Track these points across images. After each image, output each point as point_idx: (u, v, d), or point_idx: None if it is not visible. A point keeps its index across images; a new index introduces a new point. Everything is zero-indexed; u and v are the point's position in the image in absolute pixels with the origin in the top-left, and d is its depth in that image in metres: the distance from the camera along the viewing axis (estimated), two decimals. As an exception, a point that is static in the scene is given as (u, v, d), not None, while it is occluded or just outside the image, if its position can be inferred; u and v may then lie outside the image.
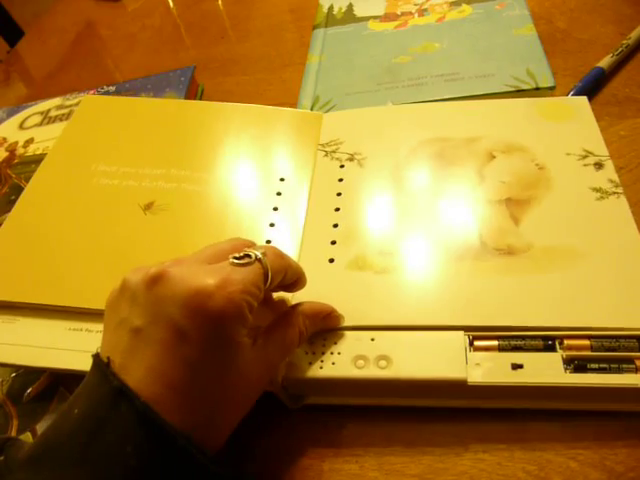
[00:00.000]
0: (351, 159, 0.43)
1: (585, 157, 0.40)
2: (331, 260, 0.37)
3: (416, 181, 0.41)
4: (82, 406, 0.26)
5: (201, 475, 0.25)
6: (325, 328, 0.34)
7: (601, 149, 0.40)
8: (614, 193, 0.37)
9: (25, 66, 0.85)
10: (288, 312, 0.33)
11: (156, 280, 0.27)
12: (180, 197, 0.43)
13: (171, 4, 0.84)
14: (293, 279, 0.33)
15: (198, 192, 0.43)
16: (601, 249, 0.35)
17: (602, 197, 0.38)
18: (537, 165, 0.40)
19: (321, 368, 0.32)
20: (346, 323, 0.34)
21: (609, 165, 0.39)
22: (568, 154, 0.40)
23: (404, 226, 0.39)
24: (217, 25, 0.76)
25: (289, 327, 0.31)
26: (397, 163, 0.43)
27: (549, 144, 0.41)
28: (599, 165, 0.39)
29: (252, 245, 0.32)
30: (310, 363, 0.33)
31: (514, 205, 0.38)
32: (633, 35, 0.52)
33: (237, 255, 0.29)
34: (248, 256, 0.29)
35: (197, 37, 0.76)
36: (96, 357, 0.28)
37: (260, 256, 0.29)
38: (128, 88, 0.63)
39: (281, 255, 0.31)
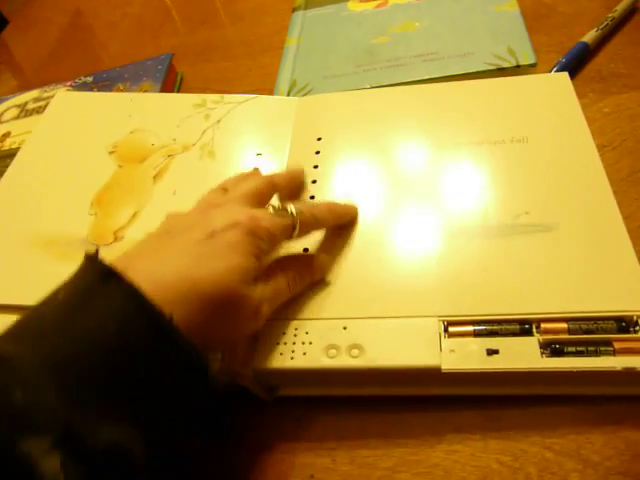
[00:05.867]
0: (325, 145, 0.42)
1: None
2: (305, 249, 0.36)
3: (388, 169, 0.40)
4: (68, 289, 0.26)
5: (180, 360, 0.25)
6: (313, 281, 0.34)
7: (581, 126, 0.39)
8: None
9: (10, 56, 0.84)
10: (280, 261, 0.34)
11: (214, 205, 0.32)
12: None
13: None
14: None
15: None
16: (580, 233, 0.34)
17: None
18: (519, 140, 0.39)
19: (292, 358, 0.31)
20: (319, 314, 0.33)
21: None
22: (547, 131, 0.39)
23: (376, 214, 0.37)
24: (197, 11, 0.75)
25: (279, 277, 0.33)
26: (372, 148, 0.41)
27: (527, 122, 0.40)
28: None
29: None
30: (281, 353, 0.32)
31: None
32: (619, 8, 0.50)
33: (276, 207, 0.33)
34: (285, 210, 0.33)
35: (177, 24, 0.74)
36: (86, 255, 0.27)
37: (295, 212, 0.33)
38: (105, 78, 0.62)
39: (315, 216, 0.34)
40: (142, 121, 0.48)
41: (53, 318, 0.25)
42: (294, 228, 0.32)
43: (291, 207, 0.33)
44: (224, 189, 0.35)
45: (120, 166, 0.45)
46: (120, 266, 0.26)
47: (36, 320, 0.26)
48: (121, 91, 0.58)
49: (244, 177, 0.36)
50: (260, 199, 0.34)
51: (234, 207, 0.32)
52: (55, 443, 0.21)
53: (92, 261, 0.27)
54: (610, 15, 0.50)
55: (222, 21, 0.71)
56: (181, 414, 0.27)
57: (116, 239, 0.40)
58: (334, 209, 0.37)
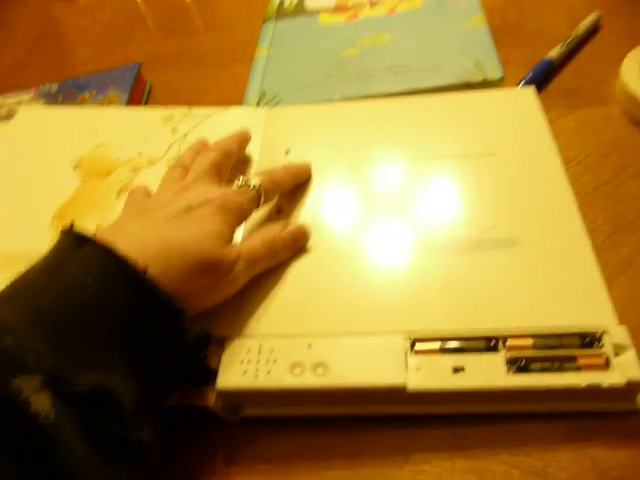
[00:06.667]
0: (293, 157, 0.42)
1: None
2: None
3: (356, 182, 0.40)
4: (44, 258, 0.28)
5: (155, 308, 0.27)
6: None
7: (546, 139, 0.39)
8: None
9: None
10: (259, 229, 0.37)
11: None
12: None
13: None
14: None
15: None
16: (545, 248, 0.34)
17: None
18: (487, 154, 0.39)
19: (256, 377, 0.31)
20: (284, 331, 0.32)
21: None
22: (513, 144, 0.40)
23: (343, 228, 0.37)
24: (169, 19, 0.74)
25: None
26: (341, 161, 0.41)
27: (493, 136, 0.40)
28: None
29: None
30: (245, 372, 0.31)
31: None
32: (581, 26, 0.51)
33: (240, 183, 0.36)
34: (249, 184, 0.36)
35: (148, 32, 0.73)
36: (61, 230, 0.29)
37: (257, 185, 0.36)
38: (71, 86, 0.60)
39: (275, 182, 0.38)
40: (108, 135, 0.47)
41: (33, 281, 0.27)
42: (260, 198, 0.36)
43: (253, 180, 0.36)
44: (184, 167, 0.38)
45: (84, 181, 0.44)
46: (98, 236, 0.28)
47: (15, 287, 0.27)
48: (87, 100, 0.57)
49: (197, 151, 0.39)
50: (220, 170, 0.37)
51: (203, 187, 0.35)
52: (44, 382, 0.23)
53: (67, 232, 0.28)
54: (573, 33, 0.51)
55: (193, 30, 0.71)
56: (159, 360, 0.28)
57: (77, 254, 0.39)
58: (290, 171, 0.40)
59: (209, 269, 0.31)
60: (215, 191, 0.34)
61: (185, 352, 0.29)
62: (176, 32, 0.71)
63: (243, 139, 0.42)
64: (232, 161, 0.40)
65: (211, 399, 0.31)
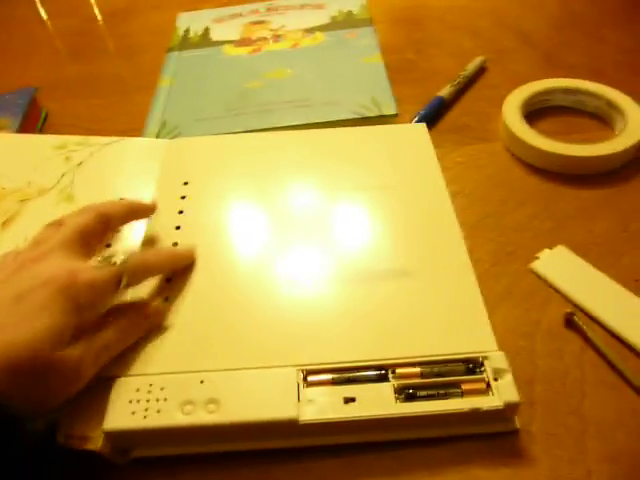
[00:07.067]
0: (192, 189, 0.42)
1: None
2: (166, 298, 0.35)
3: (253, 214, 0.40)
4: None
5: None
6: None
7: (436, 173, 0.42)
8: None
9: None
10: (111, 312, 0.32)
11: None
12: None
13: (21, 19, 0.78)
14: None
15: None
16: (434, 278, 0.35)
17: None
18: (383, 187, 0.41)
19: (145, 417, 0.29)
20: (174, 368, 0.32)
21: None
22: (406, 177, 0.42)
23: (235, 261, 0.37)
24: (71, 43, 0.72)
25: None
26: (240, 193, 0.41)
27: (387, 169, 0.42)
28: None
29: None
30: (133, 412, 0.30)
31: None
32: (469, 67, 0.55)
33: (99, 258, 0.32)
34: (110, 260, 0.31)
35: (47, 55, 0.71)
36: None
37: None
38: (-44, 110, 0.57)
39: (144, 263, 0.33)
40: (-7, 162, 0.44)
41: None
42: (120, 279, 0.31)
43: (116, 257, 0.31)
44: (59, 224, 0.33)
45: (-36, 210, 0.41)
46: None
47: None
48: (-26, 126, 0.54)
49: (81, 211, 0.34)
50: (88, 240, 0.32)
51: (53, 260, 0.30)
52: None
53: None
54: (462, 73, 0.54)
55: (97, 56, 0.69)
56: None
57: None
58: (170, 254, 0.36)
59: (39, 377, 0.27)
60: (62, 267, 0.29)
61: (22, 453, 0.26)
62: (78, 57, 0.69)
63: (138, 208, 0.37)
64: (110, 232, 0.35)
65: (97, 442, 0.29)
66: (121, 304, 0.33)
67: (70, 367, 0.28)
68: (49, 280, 0.28)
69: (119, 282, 0.31)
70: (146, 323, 0.33)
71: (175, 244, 0.38)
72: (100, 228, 0.33)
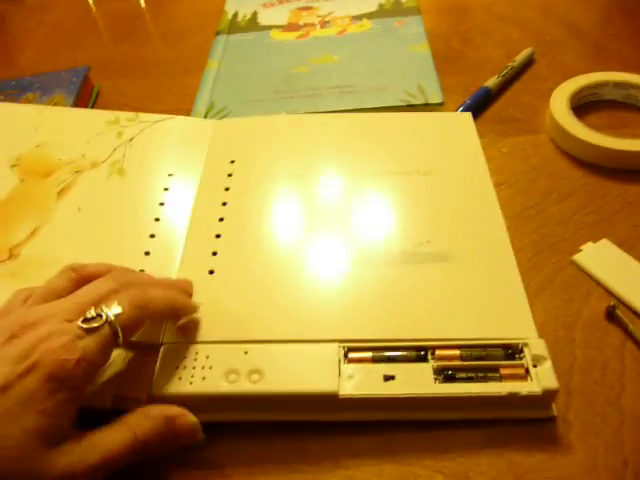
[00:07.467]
0: (238, 168, 0.43)
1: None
2: (211, 272, 0.36)
3: (297, 194, 0.41)
4: None
5: None
6: (172, 439, 0.28)
7: (480, 163, 0.42)
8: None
9: None
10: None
11: None
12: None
13: (72, 1, 0.80)
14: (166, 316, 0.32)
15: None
16: (475, 264, 0.36)
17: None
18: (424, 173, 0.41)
19: (191, 383, 0.31)
20: (220, 338, 0.33)
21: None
22: (450, 165, 0.42)
23: (281, 239, 0.38)
24: (120, 25, 0.73)
25: (117, 427, 0.27)
26: (284, 173, 0.42)
27: (431, 156, 0.42)
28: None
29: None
30: (180, 378, 0.31)
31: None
32: (518, 59, 0.55)
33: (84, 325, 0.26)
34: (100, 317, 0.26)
35: (98, 36, 0.72)
36: None
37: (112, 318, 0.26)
38: (14, 87, 0.59)
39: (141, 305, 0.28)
40: (50, 135, 0.46)
41: None
42: (116, 336, 0.27)
43: (110, 308, 0.27)
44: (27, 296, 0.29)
45: (22, 180, 0.43)
46: None
47: None
48: (30, 101, 0.56)
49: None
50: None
51: (47, 328, 0.26)
52: None
53: None
54: (510, 64, 0.54)
55: (145, 38, 0.70)
56: None
57: (12, 256, 0.38)
58: (170, 301, 0.31)
59: None
60: (46, 348, 0.24)
61: None
62: (127, 39, 0.70)
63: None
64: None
65: (141, 403, 0.31)
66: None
67: (56, 474, 0.24)
68: (34, 363, 0.24)
69: (115, 340, 0.27)
70: (167, 431, 0.28)
71: (221, 219, 0.39)
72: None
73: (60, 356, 0.25)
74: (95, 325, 0.26)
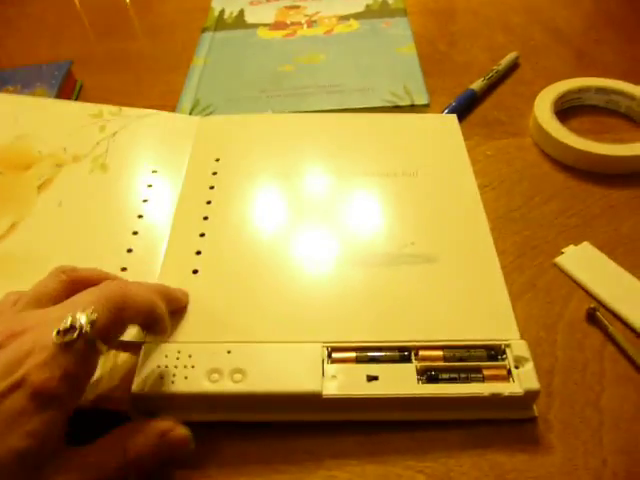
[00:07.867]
0: (223, 166, 0.42)
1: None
2: (195, 271, 0.36)
3: (283, 193, 0.41)
4: None
5: None
6: (166, 453, 0.28)
7: (465, 165, 0.42)
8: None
9: None
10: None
11: None
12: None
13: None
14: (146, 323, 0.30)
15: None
16: (458, 266, 0.36)
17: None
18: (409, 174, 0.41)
19: (173, 382, 0.30)
20: (203, 337, 0.32)
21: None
22: (435, 167, 0.42)
23: (265, 238, 0.38)
24: (104, 19, 0.72)
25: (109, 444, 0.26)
26: (269, 172, 0.42)
27: (416, 157, 0.43)
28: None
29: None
30: (161, 377, 0.31)
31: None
32: (503, 62, 0.55)
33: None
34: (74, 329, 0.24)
35: (81, 30, 0.71)
36: None
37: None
38: (-7, 78, 0.58)
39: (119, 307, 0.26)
40: (30, 126, 0.45)
41: None
42: (96, 348, 0.25)
43: (83, 317, 0.24)
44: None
45: (0, 173, 0.42)
46: None
47: None
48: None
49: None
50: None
51: (22, 346, 0.24)
52: None
53: None
54: (495, 67, 0.54)
55: (130, 34, 0.69)
56: None
57: (-11, 251, 0.37)
58: (149, 303, 0.29)
59: None
60: (31, 365, 0.23)
61: None
62: (111, 34, 0.70)
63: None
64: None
65: (125, 404, 0.30)
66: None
67: None
68: (21, 379, 0.23)
69: (95, 351, 0.25)
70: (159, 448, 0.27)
71: (205, 218, 0.39)
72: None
73: (44, 374, 0.23)
74: (72, 338, 0.24)
